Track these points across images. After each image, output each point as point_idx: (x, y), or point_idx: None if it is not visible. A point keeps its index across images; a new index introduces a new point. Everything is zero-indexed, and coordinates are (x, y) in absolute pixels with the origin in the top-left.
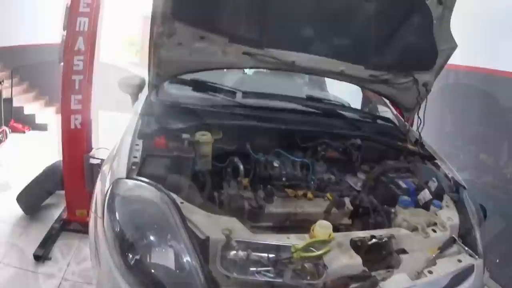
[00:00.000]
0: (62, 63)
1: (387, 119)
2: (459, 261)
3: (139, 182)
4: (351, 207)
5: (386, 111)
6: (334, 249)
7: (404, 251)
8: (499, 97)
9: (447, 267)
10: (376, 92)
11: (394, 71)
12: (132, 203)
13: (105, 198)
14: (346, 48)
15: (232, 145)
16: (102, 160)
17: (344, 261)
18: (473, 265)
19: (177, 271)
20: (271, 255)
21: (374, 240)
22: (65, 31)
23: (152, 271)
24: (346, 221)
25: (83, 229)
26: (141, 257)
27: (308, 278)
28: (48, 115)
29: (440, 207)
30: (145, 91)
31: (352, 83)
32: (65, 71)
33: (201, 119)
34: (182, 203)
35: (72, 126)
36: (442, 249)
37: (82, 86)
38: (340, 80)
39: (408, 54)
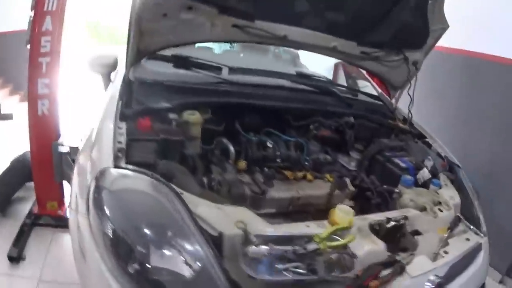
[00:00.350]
0: (29, 46)
1: (376, 97)
2: (467, 239)
3: (129, 172)
4: (352, 188)
5: (366, 85)
6: (355, 235)
7: (417, 233)
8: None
9: (459, 246)
10: (365, 69)
11: (386, 49)
12: (124, 197)
13: (88, 192)
14: (340, 23)
15: (219, 125)
16: (72, 148)
17: (368, 247)
18: (480, 244)
19: (190, 274)
20: (294, 248)
21: (392, 223)
22: (33, 11)
23: (158, 277)
24: (348, 203)
25: (55, 222)
26: (142, 261)
27: (337, 270)
28: (13, 104)
29: (440, 186)
30: (119, 70)
31: (343, 60)
32: (32, 54)
33: (187, 97)
34: (182, 193)
35: (40, 112)
36: (451, 228)
37: (49, 69)
38: (331, 56)
39: (401, 32)
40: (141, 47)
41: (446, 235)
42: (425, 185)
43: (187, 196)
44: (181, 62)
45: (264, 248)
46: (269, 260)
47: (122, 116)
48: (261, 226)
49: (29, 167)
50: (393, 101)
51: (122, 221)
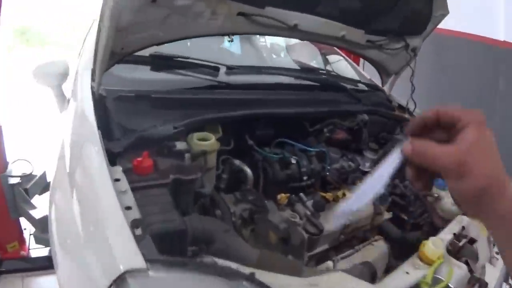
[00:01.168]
0: None
1: (376, 87)
2: None
3: (176, 273)
4: (389, 199)
5: (339, 59)
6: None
7: (473, 240)
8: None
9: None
10: (365, 58)
11: (391, 36)
12: None
13: None
14: (352, 10)
15: (229, 142)
16: (23, 176)
17: (457, 274)
18: None
19: None
20: None
21: (463, 240)
22: None
23: None
24: (387, 215)
25: (21, 266)
26: None
27: None
28: None
29: None
30: (78, 81)
31: (347, 49)
32: None
33: (189, 113)
34: (253, 273)
35: None
36: None
37: None
38: (336, 46)
39: (407, 19)
40: (117, 48)
41: (488, 236)
42: None
43: (264, 275)
44: (163, 62)
45: None
46: None
47: (112, 157)
48: None
49: None
50: (385, 88)
51: None
